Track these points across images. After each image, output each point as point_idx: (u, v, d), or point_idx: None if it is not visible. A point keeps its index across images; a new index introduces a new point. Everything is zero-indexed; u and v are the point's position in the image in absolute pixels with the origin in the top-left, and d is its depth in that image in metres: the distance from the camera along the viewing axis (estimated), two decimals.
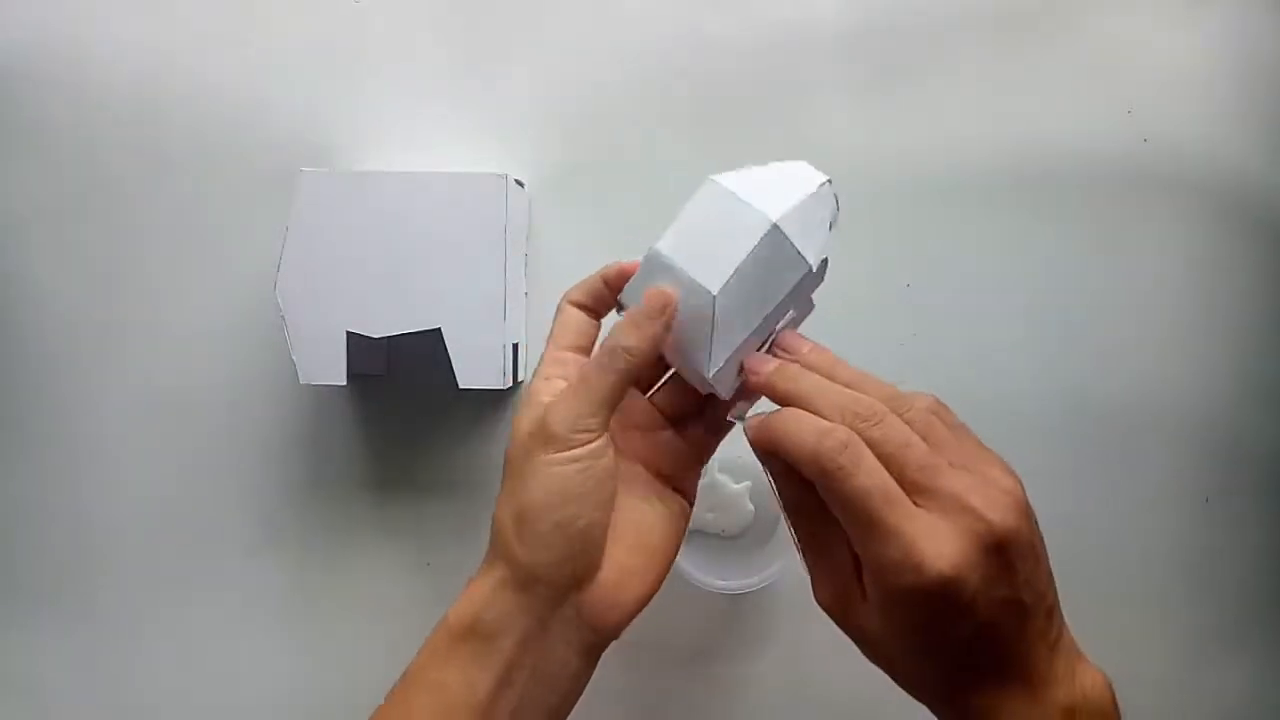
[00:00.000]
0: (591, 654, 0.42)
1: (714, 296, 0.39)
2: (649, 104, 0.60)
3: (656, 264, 0.41)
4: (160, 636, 0.60)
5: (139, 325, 0.60)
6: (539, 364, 0.43)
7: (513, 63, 0.60)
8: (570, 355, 0.43)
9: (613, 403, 0.40)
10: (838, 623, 0.39)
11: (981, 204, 0.59)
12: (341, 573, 0.60)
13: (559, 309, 0.44)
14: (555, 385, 0.41)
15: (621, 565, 0.41)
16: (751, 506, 0.56)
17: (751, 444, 0.39)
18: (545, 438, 0.40)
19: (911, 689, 0.39)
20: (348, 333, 0.53)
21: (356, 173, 0.58)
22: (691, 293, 0.40)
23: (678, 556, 0.55)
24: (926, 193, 0.59)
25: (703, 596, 0.56)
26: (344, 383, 0.53)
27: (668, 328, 0.40)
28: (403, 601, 0.60)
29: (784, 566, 0.54)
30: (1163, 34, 0.59)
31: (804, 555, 0.40)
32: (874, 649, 0.39)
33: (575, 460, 0.39)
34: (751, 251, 0.39)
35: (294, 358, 0.53)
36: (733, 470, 0.57)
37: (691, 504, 0.45)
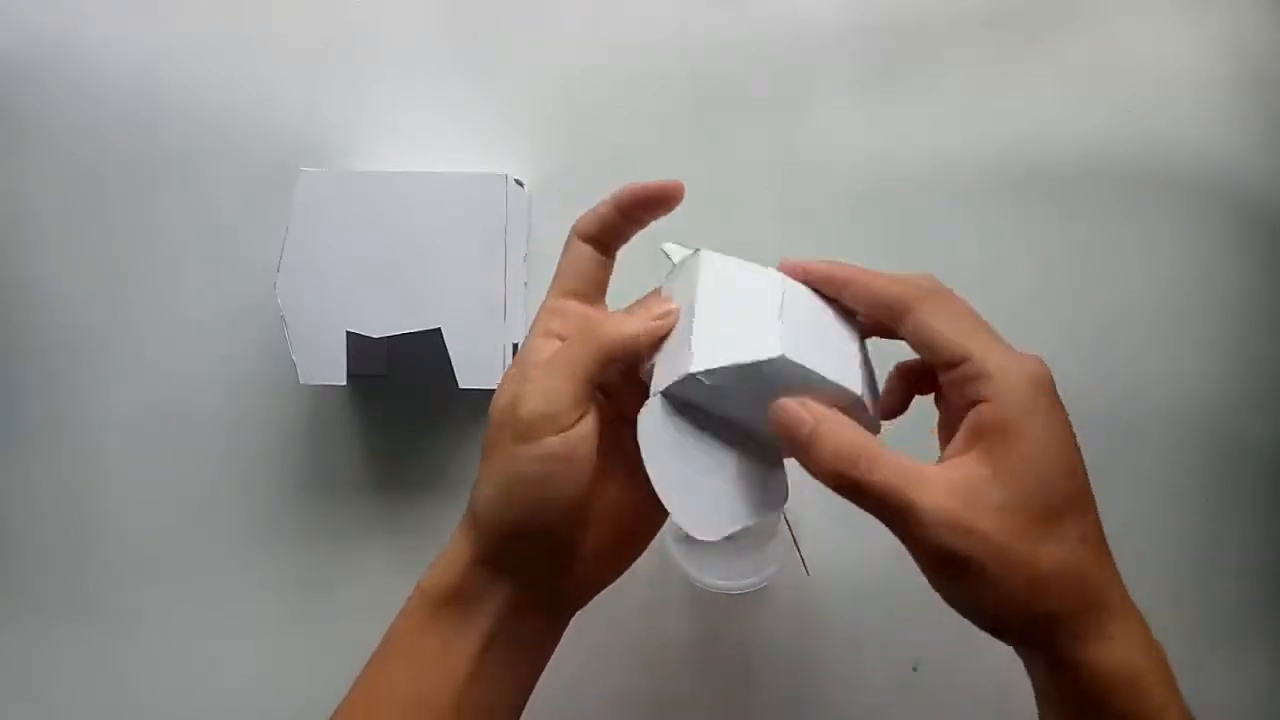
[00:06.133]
0: (563, 621, 0.42)
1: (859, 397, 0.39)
2: (649, 103, 0.60)
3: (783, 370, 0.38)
4: (159, 635, 0.60)
5: (138, 325, 0.60)
6: (540, 311, 0.40)
7: (513, 62, 0.60)
8: (573, 305, 0.40)
9: (592, 383, 0.37)
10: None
11: (979, 203, 0.59)
12: (341, 572, 0.60)
13: (568, 242, 0.40)
14: (550, 345, 0.39)
15: (598, 550, 0.40)
16: None
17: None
18: (516, 427, 0.37)
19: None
20: (348, 333, 0.53)
21: (356, 173, 0.58)
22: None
23: (677, 556, 0.55)
24: (925, 191, 0.59)
25: (703, 596, 0.56)
26: (344, 383, 0.54)
27: (668, 330, 0.39)
28: (403, 601, 0.60)
29: (784, 566, 0.54)
30: (1162, 34, 0.59)
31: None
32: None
33: (548, 455, 0.37)
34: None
35: (294, 358, 0.53)
36: None
37: None
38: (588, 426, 0.38)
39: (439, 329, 0.53)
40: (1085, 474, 0.37)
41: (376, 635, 0.60)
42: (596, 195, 0.60)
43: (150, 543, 0.60)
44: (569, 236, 0.40)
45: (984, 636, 0.38)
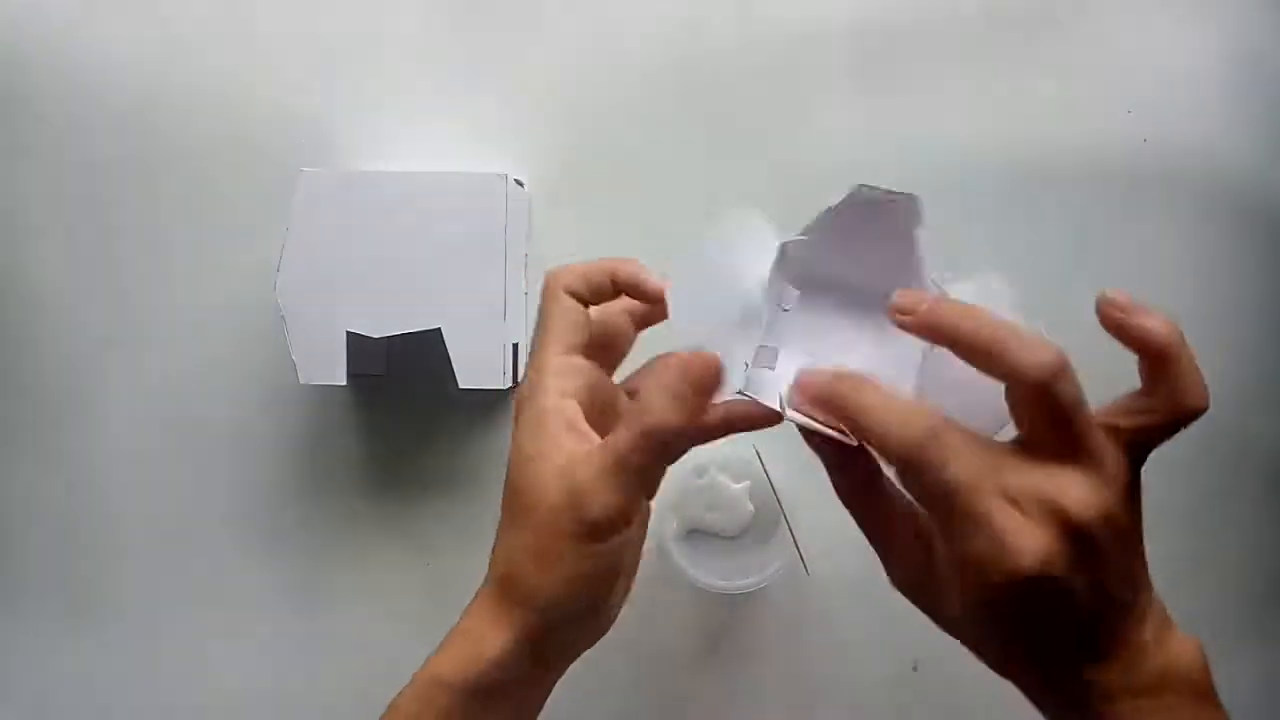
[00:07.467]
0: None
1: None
2: (649, 103, 0.60)
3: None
4: (160, 635, 0.60)
5: (138, 325, 0.60)
6: (539, 363, 0.39)
7: (512, 62, 0.60)
8: (581, 362, 0.39)
9: (657, 481, 0.37)
10: (913, 602, 0.38)
11: (981, 203, 0.59)
12: (342, 573, 0.60)
13: (552, 295, 0.40)
14: (568, 408, 0.38)
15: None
16: (751, 506, 0.56)
17: (809, 402, 0.36)
18: (588, 528, 0.36)
19: (995, 667, 0.37)
20: (348, 333, 0.53)
21: (356, 173, 0.58)
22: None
23: (677, 556, 0.55)
24: (926, 192, 0.58)
25: (703, 596, 0.56)
26: (344, 383, 0.54)
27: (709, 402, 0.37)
28: (403, 601, 0.60)
29: (784, 566, 0.54)
30: (1162, 34, 0.59)
31: (869, 539, 0.39)
32: (955, 629, 0.37)
33: (622, 544, 0.37)
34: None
35: (294, 358, 0.53)
36: (732, 470, 0.57)
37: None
38: (645, 514, 0.38)
39: (439, 329, 0.53)
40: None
41: (376, 634, 0.60)
42: (596, 195, 0.60)
43: (150, 542, 0.60)
44: (550, 288, 0.40)
45: None
